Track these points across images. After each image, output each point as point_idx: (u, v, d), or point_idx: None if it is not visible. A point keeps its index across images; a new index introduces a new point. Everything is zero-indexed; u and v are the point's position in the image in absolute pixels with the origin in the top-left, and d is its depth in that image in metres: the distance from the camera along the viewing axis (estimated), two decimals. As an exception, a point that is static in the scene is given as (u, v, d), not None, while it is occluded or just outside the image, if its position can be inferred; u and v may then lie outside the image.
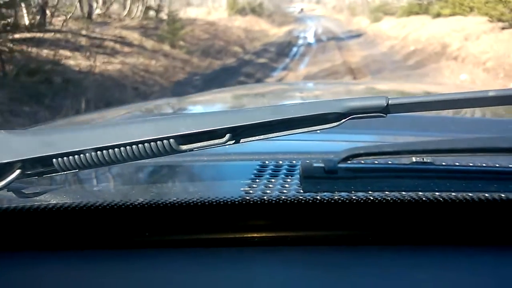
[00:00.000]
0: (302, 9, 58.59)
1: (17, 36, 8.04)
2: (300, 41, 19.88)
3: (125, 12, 15.09)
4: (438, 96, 0.59)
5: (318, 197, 0.54)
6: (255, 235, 0.57)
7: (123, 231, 0.59)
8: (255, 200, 0.56)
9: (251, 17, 30.12)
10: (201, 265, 0.54)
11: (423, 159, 0.57)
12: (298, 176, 0.62)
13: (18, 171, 0.58)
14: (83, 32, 10.14)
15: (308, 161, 0.53)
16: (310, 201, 0.55)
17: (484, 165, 0.61)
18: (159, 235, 0.58)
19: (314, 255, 0.55)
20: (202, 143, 0.57)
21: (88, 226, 0.58)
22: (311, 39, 20.93)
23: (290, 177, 0.65)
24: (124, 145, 0.56)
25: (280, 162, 0.72)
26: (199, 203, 0.55)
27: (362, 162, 0.56)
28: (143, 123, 0.61)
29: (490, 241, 0.56)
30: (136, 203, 0.55)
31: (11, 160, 0.57)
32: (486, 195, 0.53)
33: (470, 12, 15.10)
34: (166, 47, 11.44)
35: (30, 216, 0.57)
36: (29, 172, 0.59)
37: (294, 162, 0.71)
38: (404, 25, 20.57)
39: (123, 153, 0.56)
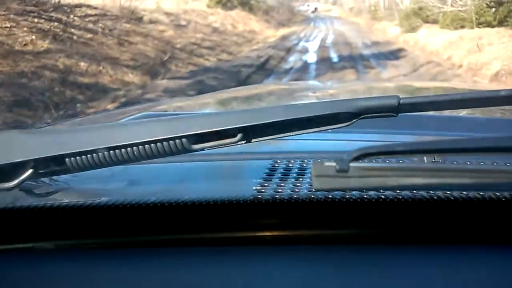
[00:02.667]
0: (316, 9, 51.18)
1: None
2: (291, 60, 10.40)
3: None
4: (449, 95, 0.58)
5: (329, 196, 0.54)
6: (267, 234, 0.56)
7: (136, 230, 0.57)
8: (267, 199, 0.55)
9: (239, 12, 20.72)
10: (214, 264, 0.53)
11: (434, 158, 0.56)
12: (309, 175, 0.61)
13: (30, 171, 0.56)
14: None
15: (319, 160, 0.50)
16: (322, 200, 0.54)
17: (495, 164, 0.60)
18: (172, 234, 0.57)
19: (326, 253, 0.54)
20: (214, 142, 0.56)
21: (100, 226, 0.56)
22: (311, 57, 11.36)
23: (301, 176, 0.63)
24: (137, 144, 0.55)
25: (292, 161, 0.69)
26: (212, 202, 0.54)
27: (374, 161, 0.54)
28: (155, 122, 0.61)
29: (503, 240, 0.55)
30: (149, 202, 0.54)
31: (24, 160, 0.56)
32: (498, 194, 0.52)
33: None
34: None
35: (42, 215, 0.55)
36: (41, 171, 0.58)
37: (305, 161, 0.69)
38: (487, 45, 10.86)
39: (135, 152, 0.55)
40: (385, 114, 0.55)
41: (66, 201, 0.56)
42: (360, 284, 0.50)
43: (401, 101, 0.54)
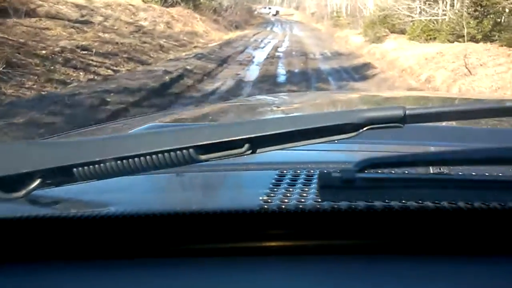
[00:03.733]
0: (277, 12, 49.05)
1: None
2: (220, 77, 7.35)
3: None
4: (455, 106, 0.59)
5: (336, 207, 0.54)
6: (274, 244, 0.57)
7: (142, 241, 0.57)
8: (273, 210, 0.55)
9: (181, 10, 17.51)
10: (220, 274, 0.53)
11: (440, 169, 0.56)
12: (315, 185, 0.61)
13: (38, 181, 0.57)
14: None
15: (326, 171, 0.51)
16: (328, 211, 0.54)
17: (501, 174, 0.60)
18: (178, 244, 0.57)
19: (332, 263, 0.55)
20: (221, 153, 0.56)
21: (107, 236, 0.57)
22: (251, 73, 8.32)
23: (308, 186, 0.63)
24: (144, 154, 0.55)
25: (298, 171, 0.69)
26: (218, 212, 0.55)
27: (380, 171, 0.54)
28: (162, 133, 0.62)
29: (509, 251, 0.55)
30: (156, 213, 0.54)
31: (32, 170, 0.56)
32: (503, 204, 0.53)
33: None
34: None
35: (49, 225, 0.56)
36: (49, 182, 0.58)
37: (311, 171, 0.69)
38: (479, 66, 8.10)
39: (142, 163, 0.55)
40: (391, 125, 0.55)
41: (74, 211, 0.56)
42: None
43: (407, 112, 0.54)
